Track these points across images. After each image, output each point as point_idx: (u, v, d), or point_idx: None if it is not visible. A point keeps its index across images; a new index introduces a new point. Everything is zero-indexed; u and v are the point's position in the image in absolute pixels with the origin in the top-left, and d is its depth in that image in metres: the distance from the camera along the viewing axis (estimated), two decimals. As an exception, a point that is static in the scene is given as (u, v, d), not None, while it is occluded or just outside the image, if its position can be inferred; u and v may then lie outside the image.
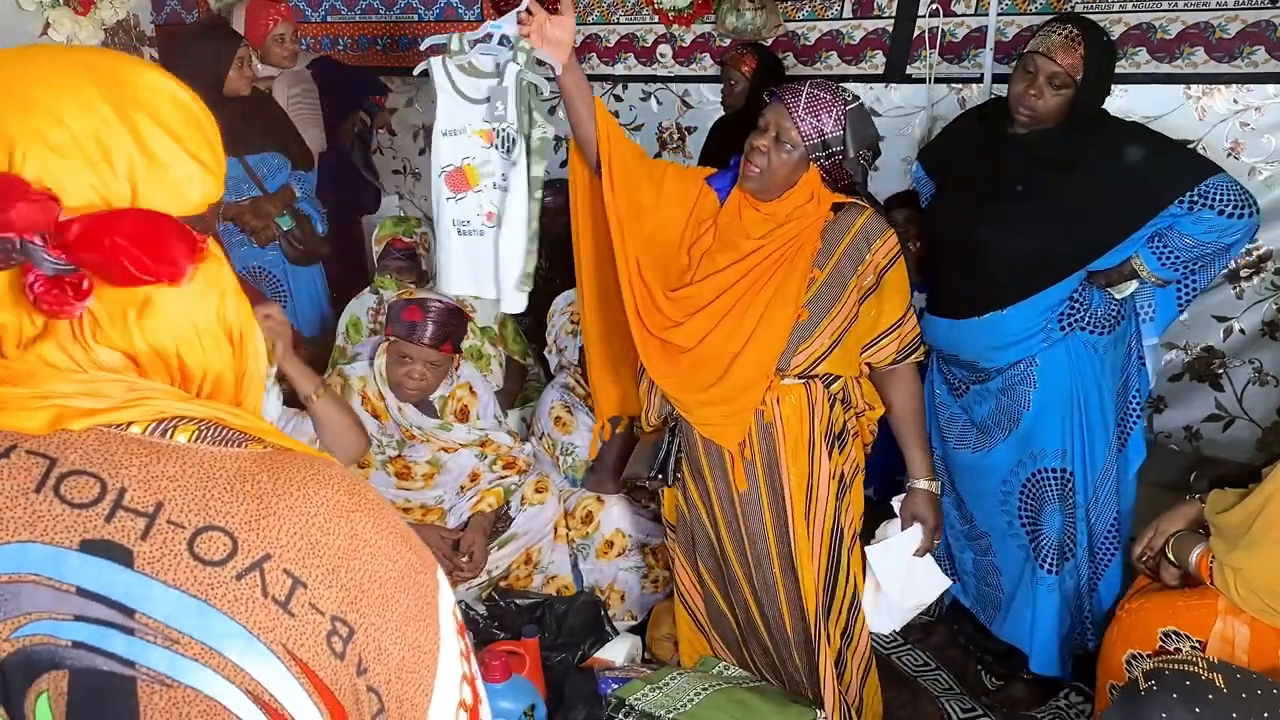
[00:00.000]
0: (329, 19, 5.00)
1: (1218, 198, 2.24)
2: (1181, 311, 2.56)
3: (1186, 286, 2.47)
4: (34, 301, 0.68)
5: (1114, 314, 2.44)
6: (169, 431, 0.71)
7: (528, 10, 2.01)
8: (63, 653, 0.65)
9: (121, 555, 0.66)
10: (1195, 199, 2.26)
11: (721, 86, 3.78)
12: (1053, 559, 2.48)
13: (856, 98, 2.10)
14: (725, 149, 2.79)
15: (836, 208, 2.12)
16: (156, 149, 0.72)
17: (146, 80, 0.74)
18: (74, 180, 0.68)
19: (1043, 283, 2.38)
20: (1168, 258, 2.33)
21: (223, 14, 4.40)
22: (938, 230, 2.61)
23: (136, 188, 0.70)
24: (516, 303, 2.21)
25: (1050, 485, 2.47)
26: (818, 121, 2.02)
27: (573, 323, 2.98)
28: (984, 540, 2.65)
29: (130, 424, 0.71)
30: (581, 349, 2.98)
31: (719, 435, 2.18)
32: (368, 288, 3.33)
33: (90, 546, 0.66)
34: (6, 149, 0.68)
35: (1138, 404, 2.58)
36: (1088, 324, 2.42)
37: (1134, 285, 2.41)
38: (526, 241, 2.14)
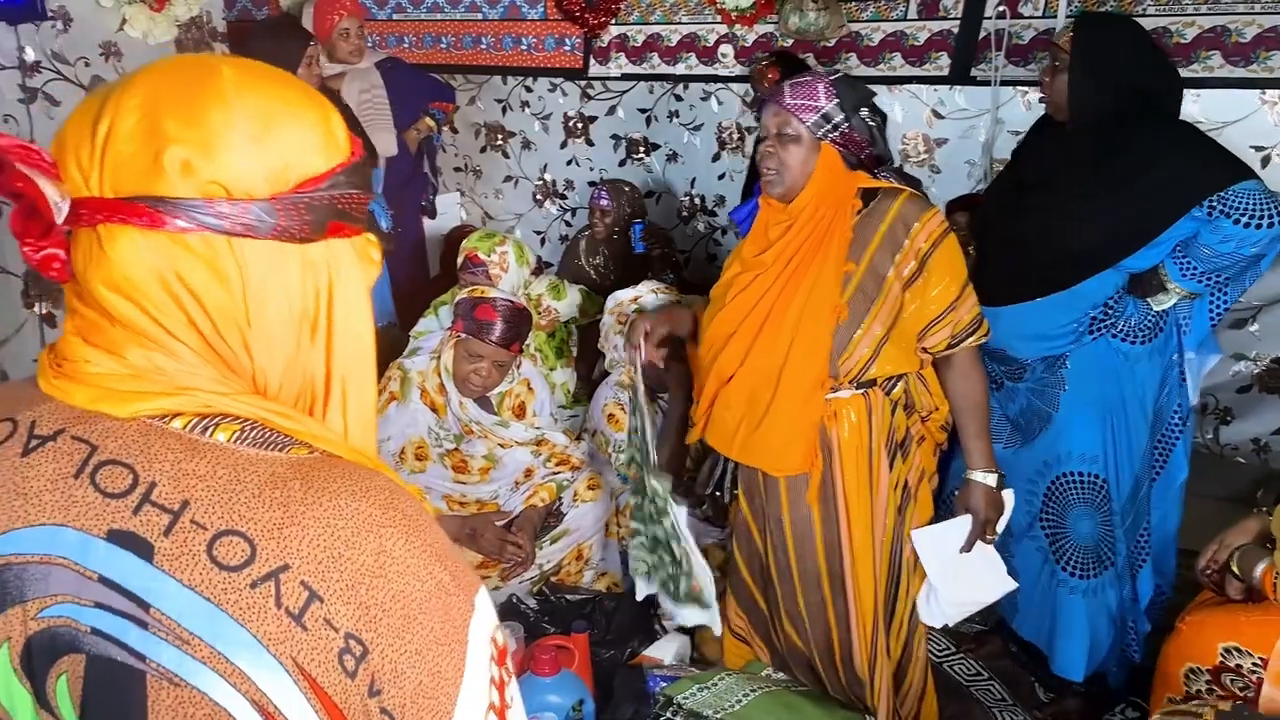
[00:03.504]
0: (394, 17, 5.07)
1: (1236, 205, 2.15)
2: (1214, 324, 2.47)
3: (1217, 299, 2.39)
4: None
5: (1151, 325, 2.38)
6: (210, 429, 0.70)
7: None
8: (82, 638, 0.66)
9: (143, 549, 0.66)
10: (1214, 205, 2.17)
11: (748, 99, 3.77)
12: (1079, 563, 2.44)
13: (837, 70, 2.09)
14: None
15: (870, 195, 2.06)
16: (123, 124, 0.70)
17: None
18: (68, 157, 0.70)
19: (1068, 278, 2.33)
20: (1188, 268, 2.26)
21: (292, 11, 4.48)
22: (985, 220, 2.62)
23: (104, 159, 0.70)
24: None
25: (1077, 489, 2.42)
26: (809, 101, 2.01)
27: (620, 322, 2.99)
28: (1007, 538, 2.62)
29: (175, 416, 0.70)
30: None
31: (788, 466, 2.12)
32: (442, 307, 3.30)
33: (116, 536, 0.67)
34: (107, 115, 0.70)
35: (1179, 418, 2.51)
36: (1120, 331, 2.37)
37: (1173, 298, 2.34)
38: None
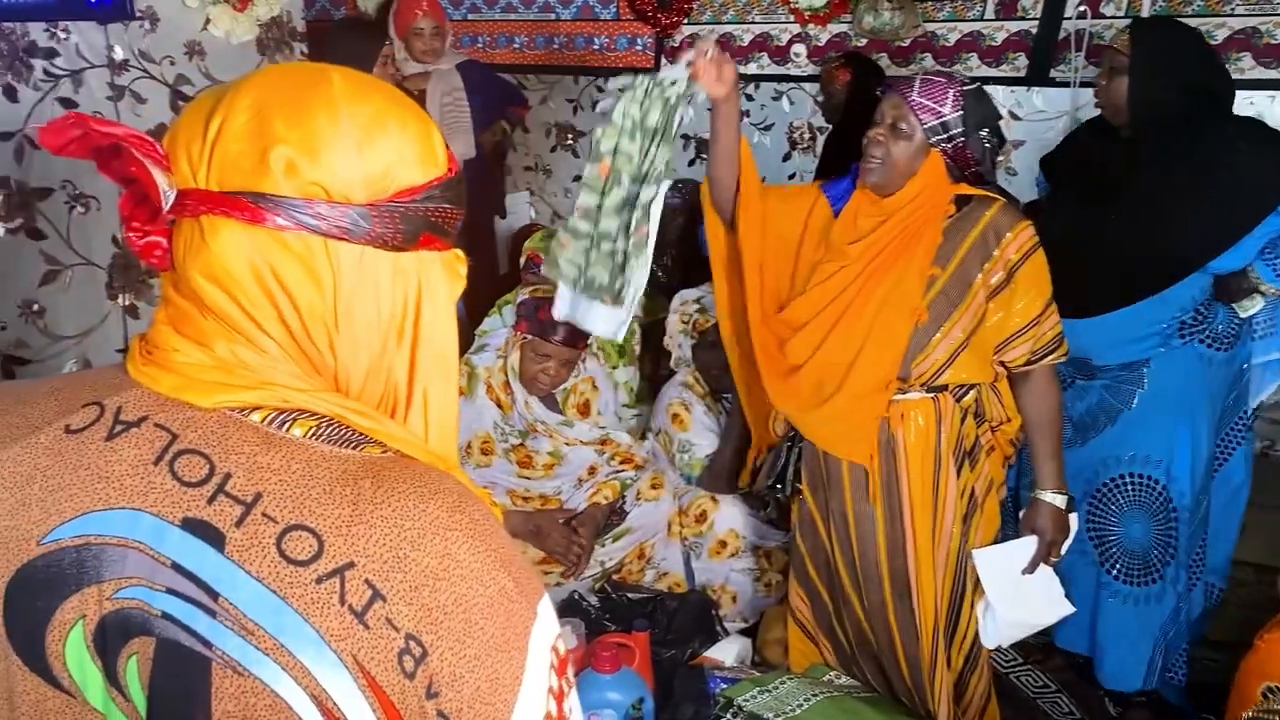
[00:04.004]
0: (469, 17, 5.12)
1: None
2: None
3: None
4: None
5: (1234, 332, 2.34)
6: (287, 424, 0.72)
7: (703, 53, 1.95)
8: (153, 621, 0.67)
9: (215, 538, 0.68)
10: None
11: (820, 98, 3.74)
12: (1126, 569, 2.39)
13: (973, 80, 2.05)
14: (835, 163, 2.76)
15: (963, 201, 2.03)
16: (234, 122, 0.73)
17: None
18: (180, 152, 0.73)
19: (1152, 285, 2.29)
20: None
21: (371, 12, 4.55)
22: (1049, 231, 2.55)
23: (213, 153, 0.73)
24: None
25: (1133, 491, 2.37)
26: (934, 104, 1.97)
27: (683, 322, 2.99)
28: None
29: (254, 409, 0.72)
30: (695, 347, 2.99)
31: (845, 451, 2.12)
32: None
33: (190, 525, 0.68)
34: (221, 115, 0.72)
35: (1244, 424, 2.46)
36: (1207, 338, 2.32)
37: (1259, 303, 2.29)
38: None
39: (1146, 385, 2.36)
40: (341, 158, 0.72)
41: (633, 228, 1.99)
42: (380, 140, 0.73)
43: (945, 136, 1.98)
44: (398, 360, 0.78)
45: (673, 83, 1.96)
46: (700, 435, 2.93)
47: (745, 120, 4.43)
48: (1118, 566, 2.40)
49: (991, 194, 2.06)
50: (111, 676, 0.69)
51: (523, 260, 3.35)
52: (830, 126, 3.74)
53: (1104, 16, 3.40)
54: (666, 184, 1.99)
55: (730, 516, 2.86)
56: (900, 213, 2.02)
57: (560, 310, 2.10)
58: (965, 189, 2.04)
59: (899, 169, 2.00)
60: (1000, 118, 2.10)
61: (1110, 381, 2.41)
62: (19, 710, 0.70)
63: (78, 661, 0.69)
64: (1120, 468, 2.39)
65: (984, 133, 2.01)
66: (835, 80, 3.53)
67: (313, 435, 0.72)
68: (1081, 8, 3.39)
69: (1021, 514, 2.21)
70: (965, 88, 2.00)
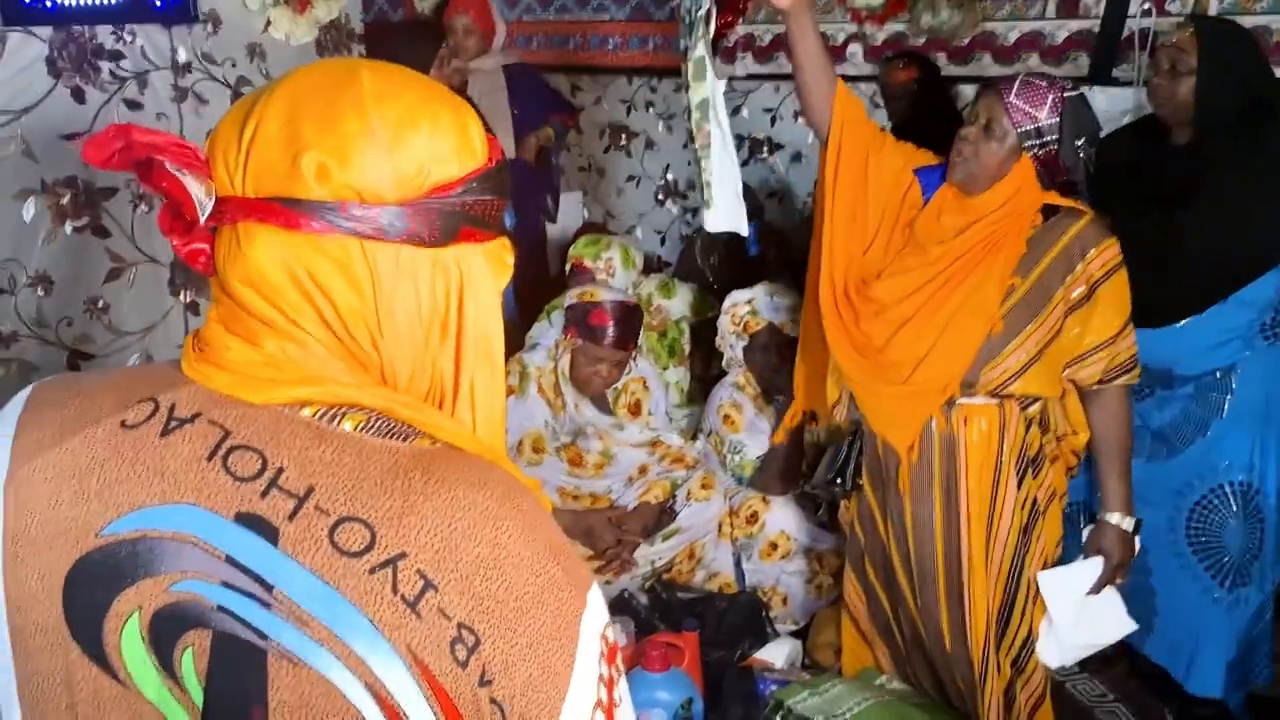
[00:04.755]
0: (524, 18, 5.15)
1: None
2: None
3: None
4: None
5: None
6: (337, 418, 0.72)
7: None
8: (209, 614, 0.68)
9: (268, 532, 0.68)
10: None
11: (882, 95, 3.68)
12: (1226, 575, 2.34)
13: (1076, 87, 1.99)
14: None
15: (1049, 211, 2.00)
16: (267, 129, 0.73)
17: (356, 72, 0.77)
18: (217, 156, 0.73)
19: (1233, 286, 2.25)
20: None
21: (429, 13, 4.59)
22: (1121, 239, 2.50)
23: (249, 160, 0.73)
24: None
25: (1232, 500, 2.32)
26: (1031, 108, 1.92)
27: (734, 323, 2.98)
28: (1142, 557, 2.50)
29: (305, 405, 0.72)
30: (746, 348, 2.97)
31: (890, 432, 2.10)
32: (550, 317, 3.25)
33: (243, 519, 0.69)
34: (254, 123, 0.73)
35: None
36: None
37: None
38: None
39: (1236, 391, 2.31)
40: (372, 159, 0.71)
41: (695, 129, 2.01)
42: (411, 139, 0.73)
43: (1039, 142, 1.93)
44: (443, 353, 0.78)
45: None
46: (751, 436, 2.92)
47: (799, 120, 4.40)
48: (1220, 572, 2.36)
49: (1081, 206, 2.02)
50: (167, 668, 0.69)
51: (567, 267, 3.37)
52: (890, 125, 3.70)
53: (1169, 14, 3.32)
54: (721, 83, 1.99)
55: (782, 518, 2.84)
56: (987, 217, 1.98)
57: (710, 223, 2.11)
58: (1054, 198, 1.99)
59: (987, 170, 1.96)
60: (1100, 129, 2.03)
61: (1196, 391, 2.36)
62: (77, 697, 0.71)
63: (133, 653, 0.70)
64: (1218, 477, 2.34)
65: (1080, 142, 1.94)
66: (898, 78, 3.49)
67: (363, 429, 0.72)
68: (1146, 6, 3.32)
69: (1085, 531, 2.17)
70: (1067, 93, 1.95)
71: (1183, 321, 2.31)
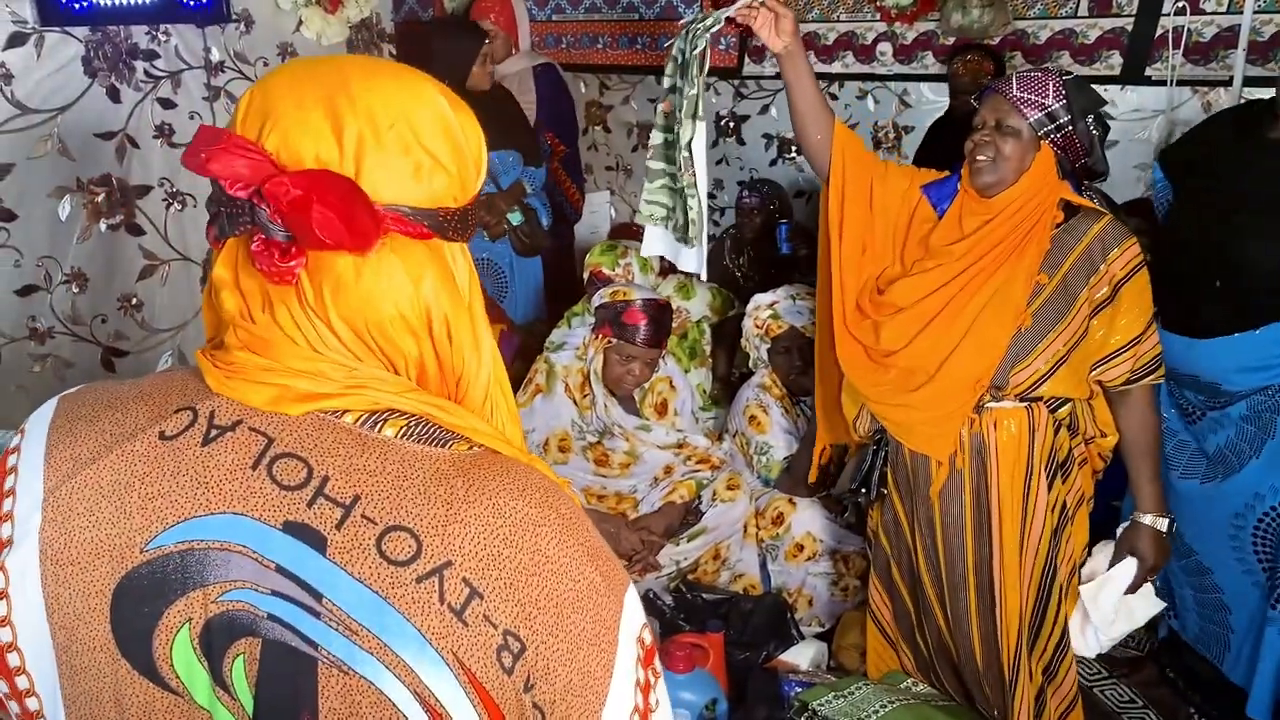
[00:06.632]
0: (554, 18, 5.16)
1: None
2: None
3: None
4: (253, 262, 0.70)
5: None
6: (379, 424, 0.73)
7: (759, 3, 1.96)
8: (260, 623, 0.69)
9: (317, 541, 0.69)
10: None
11: (950, 89, 3.66)
12: None
13: (1068, 71, 2.00)
14: (941, 152, 2.68)
15: (1070, 211, 1.99)
16: (386, 136, 0.72)
17: (411, 83, 0.77)
18: (305, 148, 0.71)
19: None
20: None
21: (458, 11, 4.61)
22: (1179, 241, 2.40)
23: (360, 166, 0.72)
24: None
25: None
26: (1037, 97, 1.93)
27: (757, 327, 2.98)
28: (1207, 577, 2.45)
29: (345, 412, 0.73)
30: (769, 351, 2.97)
31: (922, 444, 2.09)
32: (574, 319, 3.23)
33: (291, 528, 0.69)
34: (260, 120, 0.73)
35: None
36: None
37: None
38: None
39: None
40: (469, 169, 0.77)
41: (681, 168, 2.04)
42: (478, 147, 0.79)
43: (1054, 126, 1.95)
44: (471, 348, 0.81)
45: (715, 23, 1.99)
46: (777, 437, 2.91)
47: (828, 120, 4.39)
48: (1275, 594, 2.31)
49: (1099, 207, 2.03)
50: (217, 676, 0.70)
51: (585, 276, 3.36)
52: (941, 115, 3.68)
53: (1204, 13, 3.28)
54: (701, 125, 2.01)
55: (808, 519, 2.84)
56: (1009, 210, 1.98)
57: (649, 248, 2.20)
58: (1070, 192, 1.99)
59: (1011, 167, 1.96)
60: (1105, 104, 2.04)
61: (1249, 409, 2.30)
62: (128, 713, 0.71)
63: (185, 663, 0.70)
64: (1276, 498, 2.27)
65: (1090, 119, 1.97)
66: (969, 71, 3.47)
67: (403, 435, 0.73)
68: (1180, 4, 3.29)
69: (1119, 530, 2.16)
70: (1064, 77, 1.97)
71: (1243, 334, 2.23)
